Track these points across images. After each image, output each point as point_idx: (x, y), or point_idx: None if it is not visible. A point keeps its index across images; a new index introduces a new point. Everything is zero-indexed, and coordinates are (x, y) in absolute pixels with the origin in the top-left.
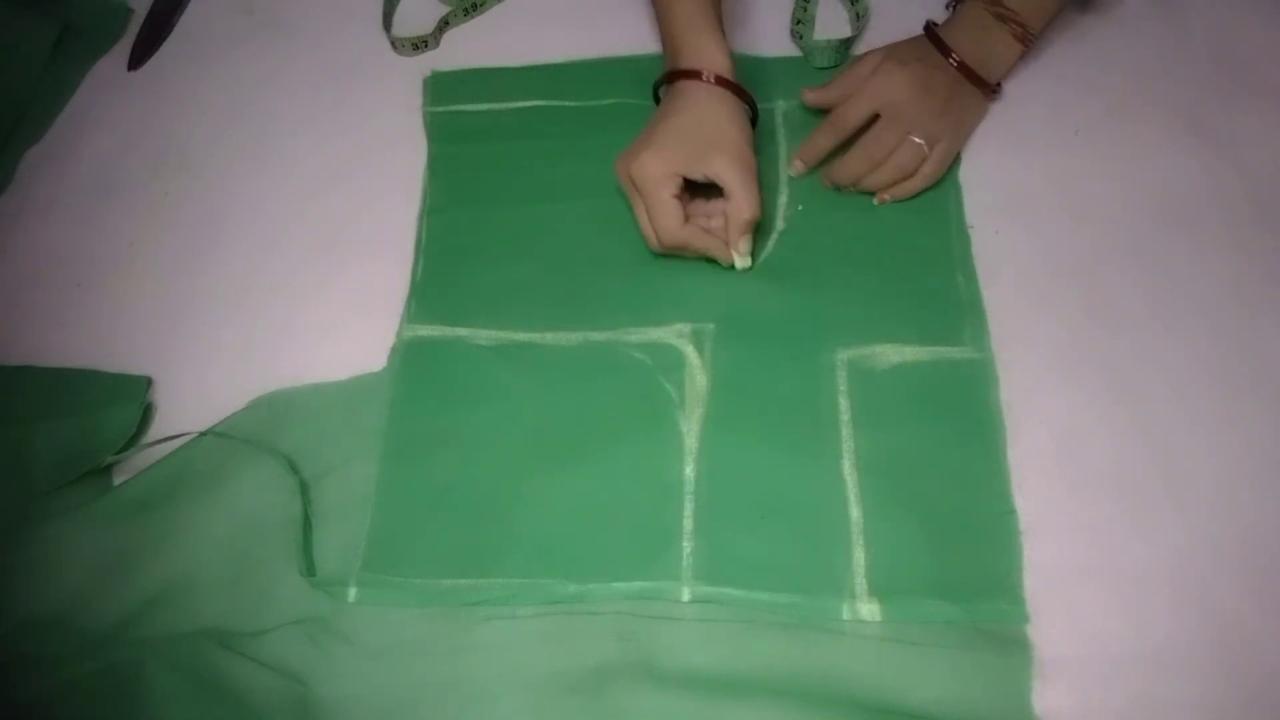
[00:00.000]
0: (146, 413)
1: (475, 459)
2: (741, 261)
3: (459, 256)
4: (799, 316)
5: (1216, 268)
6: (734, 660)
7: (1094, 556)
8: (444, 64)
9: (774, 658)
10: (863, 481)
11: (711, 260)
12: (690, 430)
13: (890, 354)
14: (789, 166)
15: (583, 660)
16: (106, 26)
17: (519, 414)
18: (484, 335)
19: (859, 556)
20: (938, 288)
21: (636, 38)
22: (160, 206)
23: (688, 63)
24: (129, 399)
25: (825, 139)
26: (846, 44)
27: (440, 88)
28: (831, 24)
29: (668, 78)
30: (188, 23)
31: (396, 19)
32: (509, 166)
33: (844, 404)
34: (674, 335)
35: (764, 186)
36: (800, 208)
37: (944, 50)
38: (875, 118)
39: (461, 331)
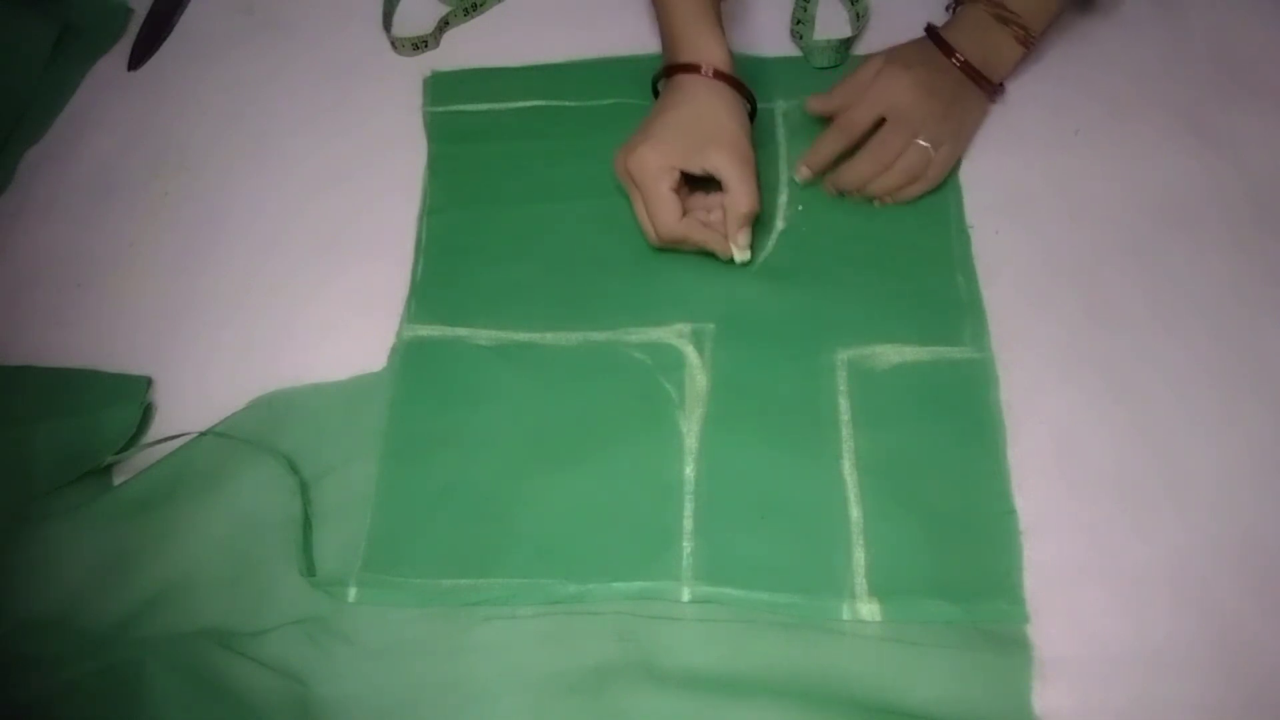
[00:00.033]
0: (146, 413)
1: (475, 459)
2: (740, 255)
3: (459, 256)
4: (799, 316)
5: (1216, 268)
6: (734, 660)
7: (1094, 556)
8: (444, 64)
9: (774, 658)
10: (863, 481)
11: (711, 257)
12: (690, 430)
13: (890, 354)
14: (795, 173)
15: (583, 660)
16: (106, 26)
17: (519, 414)
18: (484, 335)
19: (859, 556)
20: (938, 288)
21: (636, 38)
22: (160, 206)
23: (686, 56)
24: (129, 399)
25: (832, 144)
26: (846, 44)
27: (440, 88)
28: (831, 24)
29: (666, 71)
30: (188, 23)
31: (396, 19)
32: (509, 166)
33: (844, 404)
34: (674, 335)
35: (763, 186)
36: (800, 208)
37: (947, 51)
38: (881, 122)
39: (461, 331)
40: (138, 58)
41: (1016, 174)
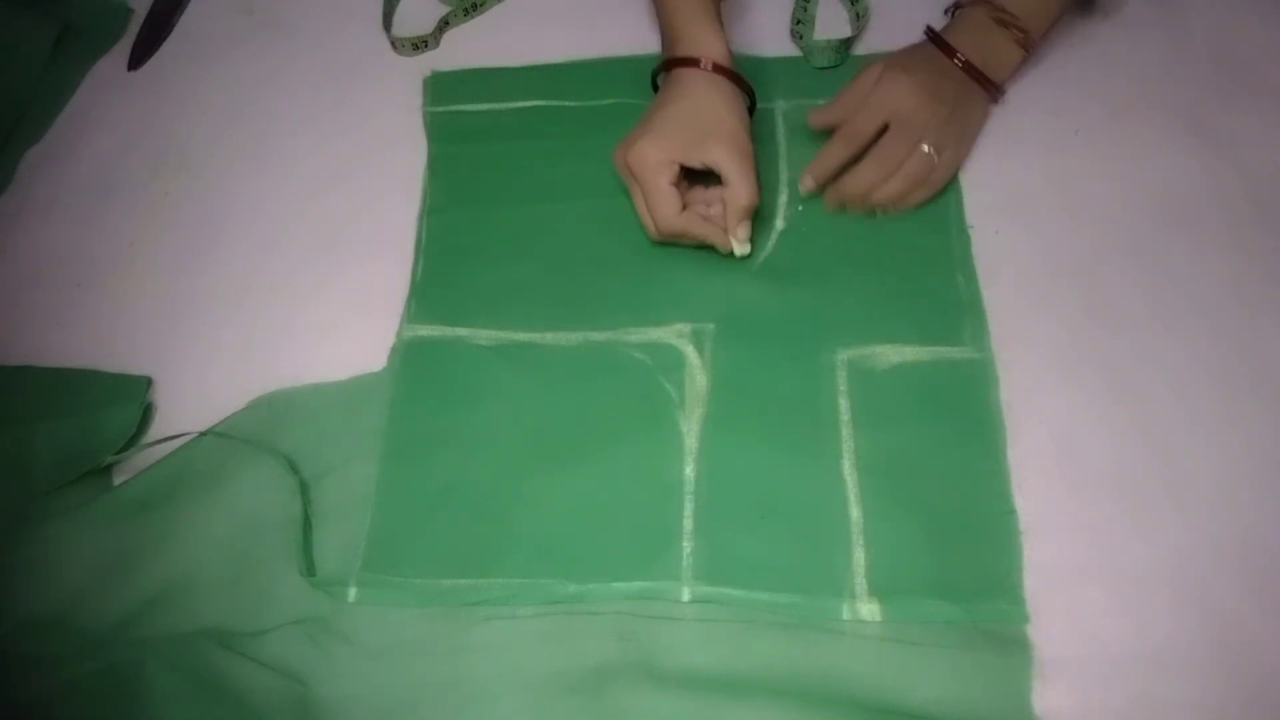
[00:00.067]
0: (146, 413)
1: (475, 459)
2: (740, 248)
3: (459, 256)
4: (799, 316)
5: (1216, 268)
6: (734, 660)
7: (1094, 556)
8: (444, 64)
9: (774, 658)
10: (863, 481)
11: (711, 256)
12: (690, 430)
13: (890, 354)
14: (799, 185)
15: (583, 660)
16: (106, 26)
17: (519, 414)
18: (484, 335)
19: (859, 556)
20: (938, 288)
21: (636, 38)
22: (160, 206)
23: (685, 50)
24: (129, 399)
25: (837, 153)
26: (846, 44)
27: (440, 88)
28: (831, 24)
29: (665, 65)
30: (188, 23)
31: (396, 19)
32: (509, 166)
33: (844, 404)
34: (674, 335)
35: (763, 186)
36: (800, 208)
37: (948, 52)
38: (884, 130)
39: (461, 331)
40: (138, 58)
41: (1016, 174)
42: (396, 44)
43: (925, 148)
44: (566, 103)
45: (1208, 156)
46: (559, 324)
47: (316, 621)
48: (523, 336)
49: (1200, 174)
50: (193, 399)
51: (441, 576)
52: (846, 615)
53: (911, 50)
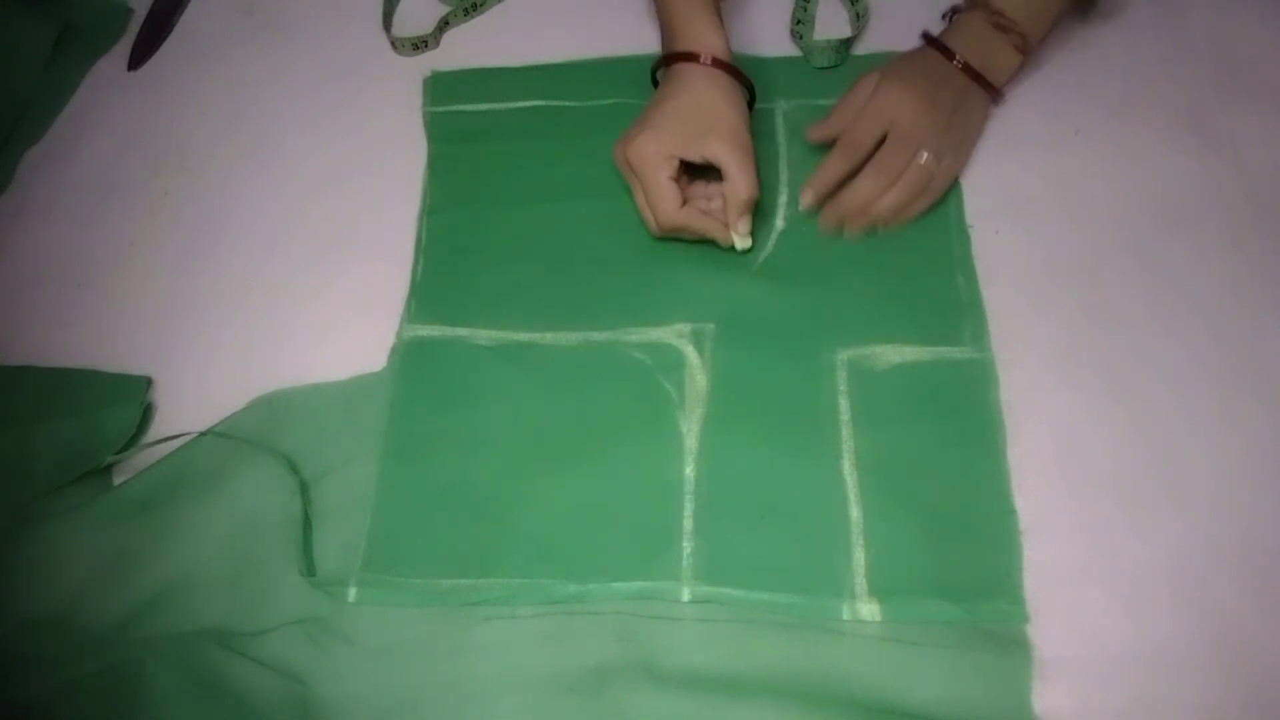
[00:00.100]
0: (146, 413)
1: (475, 459)
2: (741, 242)
3: (459, 256)
4: (799, 316)
5: (1216, 268)
6: (734, 660)
7: (1094, 556)
8: (444, 64)
9: (774, 658)
10: (863, 481)
11: (712, 255)
12: (690, 430)
13: (890, 354)
14: (799, 200)
15: (583, 660)
16: (106, 26)
17: (519, 414)
18: (484, 335)
19: (859, 556)
20: (938, 288)
21: (636, 38)
22: (160, 206)
23: (685, 45)
24: (129, 399)
25: (837, 165)
26: (846, 44)
27: (440, 88)
28: (831, 24)
29: (665, 61)
30: (188, 23)
31: (396, 19)
32: (509, 166)
33: (844, 404)
34: (674, 335)
35: (764, 186)
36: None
37: (947, 55)
38: (882, 139)
39: (461, 331)
40: (138, 58)
41: (1016, 175)
42: (396, 44)
43: (924, 156)
44: (566, 103)
45: (1208, 156)
46: (559, 324)
47: (316, 621)
48: (523, 336)
49: (1200, 174)
50: (193, 399)
51: (441, 576)
52: (846, 615)
53: (908, 58)
